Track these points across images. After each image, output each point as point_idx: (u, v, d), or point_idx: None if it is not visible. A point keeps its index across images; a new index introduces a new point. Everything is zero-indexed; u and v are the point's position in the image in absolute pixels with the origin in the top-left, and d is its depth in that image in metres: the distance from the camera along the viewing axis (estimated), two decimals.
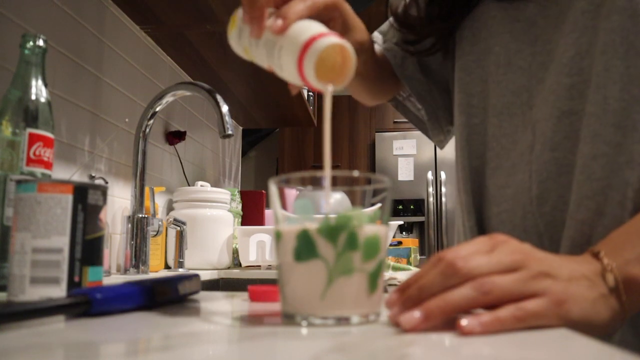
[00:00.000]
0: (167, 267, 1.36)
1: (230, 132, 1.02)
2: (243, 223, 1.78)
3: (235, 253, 1.51)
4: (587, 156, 0.50)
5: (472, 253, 0.37)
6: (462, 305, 0.35)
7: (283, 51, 0.44)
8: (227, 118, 1.02)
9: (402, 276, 0.79)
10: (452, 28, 0.67)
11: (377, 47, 0.75)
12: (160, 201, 1.46)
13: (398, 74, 0.74)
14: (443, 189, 3.43)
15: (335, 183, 0.40)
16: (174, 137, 1.54)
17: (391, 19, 0.72)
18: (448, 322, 0.41)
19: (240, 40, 0.50)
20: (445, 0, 0.66)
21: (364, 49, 0.61)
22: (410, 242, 1.96)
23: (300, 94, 1.92)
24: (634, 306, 0.40)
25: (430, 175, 3.45)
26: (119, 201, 1.22)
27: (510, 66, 0.58)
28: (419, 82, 0.74)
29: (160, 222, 1.11)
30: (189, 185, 1.64)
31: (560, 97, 0.53)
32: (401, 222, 1.50)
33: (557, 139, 0.53)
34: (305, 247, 0.37)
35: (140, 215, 1.07)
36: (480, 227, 0.62)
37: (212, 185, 1.54)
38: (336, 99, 3.94)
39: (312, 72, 0.42)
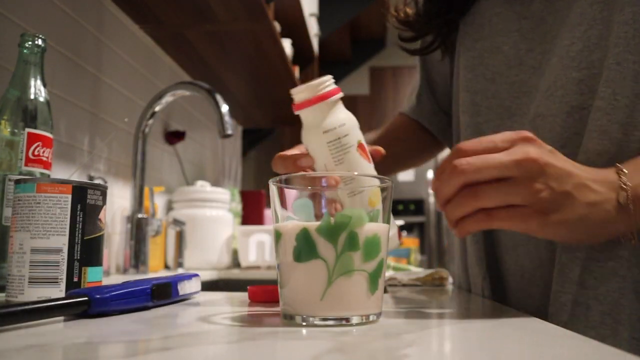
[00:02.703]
0: (166, 267, 1.36)
1: (230, 132, 1.02)
2: (243, 223, 1.78)
3: (235, 253, 1.51)
4: (592, 152, 0.49)
5: (481, 150, 0.41)
6: (457, 212, 0.42)
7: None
8: (227, 118, 1.02)
9: (402, 276, 0.79)
10: (451, 25, 0.67)
11: (412, 116, 0.80)
12: (160, 201, 1.46)
13: (438, 135, 0.80)
14: None
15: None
16: (174, 137, 1.54)
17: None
18: (449, 322, 0.41)
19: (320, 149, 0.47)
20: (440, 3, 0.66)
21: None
22: (411, 242, 1.96)
23: None
24: None
25: (430, 175, 3.45)
26: (118, 201, 1.22)
27: (522, 66, 0.57)
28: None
29: (159, 222, 1.11)
30: (188, 185, 1.64)
31: (569, 92, 0.52)
32: (402, 222, 1.50)
33: (566, 135, 0.52)
34: (305, 247, 0.37)
35: (140, 216, 1.06)
36: (486, 231, 0.61)
37: (212, 185, 1.54)
38: None
39: None
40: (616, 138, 0.48)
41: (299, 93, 0.48)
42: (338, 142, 0.46)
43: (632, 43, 0.49)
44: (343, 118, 0.47)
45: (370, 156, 0.48)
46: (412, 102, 0.80)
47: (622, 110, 0.48)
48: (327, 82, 0.47)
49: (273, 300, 0.52)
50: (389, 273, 0.91)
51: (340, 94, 0.48)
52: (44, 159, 0.63)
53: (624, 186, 0.43)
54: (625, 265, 0.48)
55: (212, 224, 1.41)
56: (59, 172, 0.99)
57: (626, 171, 0.44)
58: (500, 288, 0.61)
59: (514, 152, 0.41)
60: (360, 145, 0.47)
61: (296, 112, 0.49)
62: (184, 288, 0.51)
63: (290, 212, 0.39)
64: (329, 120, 0.47)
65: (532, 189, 0.40)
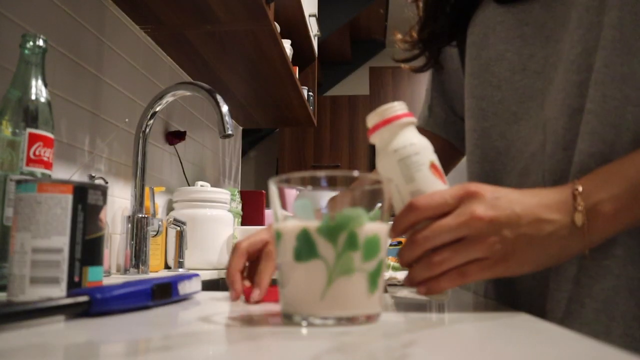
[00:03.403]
0: (167, 267, 1.36)
1: (230, 132, 1.02)
2: (243, 223, 1.78)
3: None
4: (585, 154, 0.50)
5: (433, 207, 0.44)
6: (418, 279, 0.45)
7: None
8: (227, 118, 1.02)
9: (402, 276, 0.79)
10: (441, 47, 0.72)
11: (427, 128, 0.81)
12: (160, 201, 1.46)
13: (457, 144, 0.81)
14: None
15: (335, 183, 0.40)
16: (174, 137, 1.54)
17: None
18: (449, 322, 0.41)
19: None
20: (436, 24, 0.69)
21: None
22: None
23: (300, 94, 1.92)
24: (596, 235, 0.45)
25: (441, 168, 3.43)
26: (119, 201, 1.22)
27: (526, 72, 0.58)
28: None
29: (160, 222, 1.11)
30: (189, 185, 1.64)
31: (570, 95, 0.52)
32: None
33: (569, 137, 0.53)
34: (305, 247, 0.37)
35: (140, 215, 1.07)
36: None
37: (212, 185, 1.54)
38: (336, 99, 3.94)
39: None
40: (608, 140, 0.49)
41: (370, 120, 0.49)
42: (408, 159, 0.46)
43: (618, 46, 0.49)
44: (413, 138, 0.47)
45: (445, 178, 0.48)
46: (425, 115, 0.82)
47: (613, 112, 0.49)
48: (395, 107, 0.48)
49: (273, 300, 0.52)
50: (389, 273, 0.91)
51: (410, 118, 0.48)
52: (45, 159, 0.63)
53: (579, 208, 0.45)
54: (620, 264, 0.48)
55: (212, 224, 1.41)
56: (59, 172, 0.99)
57: (581, 189, 0.45)
58: (506, 289, 0.61)
59: (460, 213, 0.43)
60: (432, 165, 0.47)
61: (370, 140, 0.49)
62: (184, 288, 0.51)
63: (290, 212, 0.39)
64: (398, 140, 0.47)
65: (487, 244, 0.43)
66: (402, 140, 0.47)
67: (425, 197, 0.44)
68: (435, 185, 0.46)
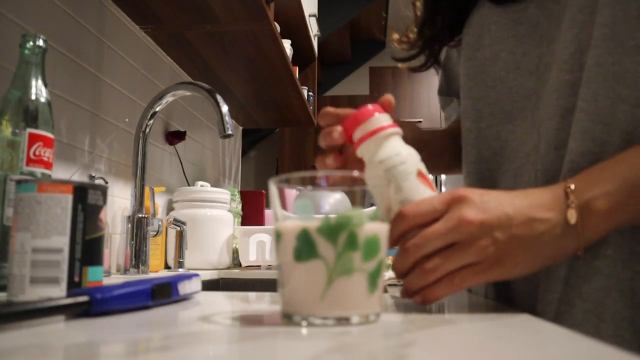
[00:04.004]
0: (167, 267, 1.36)
1: (230, 132, 1.02)
2: (243, 223, 1.78)
3: (235, 253, 1.51)
4: (576, 153, 0.50)
5: (421, 214, 0.44)
6: (413, 288, 0.45)
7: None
8: (227, 118, 1.02)
9: None
10: (441, 46, 0.72)
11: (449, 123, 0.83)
12: (160, 201, 1.46)
13: None
14: (443, 189, 3.43)
15: (335, 183, 0.40)
16: (174, 137, 1.55)
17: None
18: (449, 322, 0.41)
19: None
20: (434, 24, 0.69)
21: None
22: None
23: (300, 94, 1.92)
24: (591, 232, 0.45)
25: (429, 176, 3.45)
26: (119, 201, 1.22)
27: (519, 70, 0.58)
28: None
29: (160, 222, 1.11)
30: (189, 185, 1.64)
31: (563, 95, 0.52)
32: None
33: (561, 136, 0.52)
34: (305, 247, 0.37)
35: (140, 215, 1.07)
36: None
37: (212, 185, 1.54)
38: (336, 99, 3.94)
39: None
40: (599, 139, 0.49)
41: (355, 133, 0.49)
42: (395, 169, 0.46)
43: (610, 45, 0.49)
44: (398, 148, 0.47)
45: (433, 185, 0.48)
46: (456, 112, 0.84)
47: (604, 110, 0.49)
48: (379, 119, 0.48)
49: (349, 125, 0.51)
50: (388, 273, 0.91)
51: (395, 129, 0.48)
52: (45, 159, 0.63)
53: (572, 205, 0.44)
54: (611, 264, 0.48)
55: (212, 224, 1.41)
56: (59, 172, 0.99)
57: (573, 187, 0.45)
58: (501, 291, 0.61)
59: (449, 218, 0.43)
60: (420, 174, 0.47)
61: (357, 153, 0.49)
62: (184, 288, 0.51)
63: (290, 212, 0.39)
64: (383, 150, 0.47)
65: (479, 248, 0.43)
66: (388, 151, 0.47)
67: (413, 205, 0.44)
68: (423, 193, 0.46)
